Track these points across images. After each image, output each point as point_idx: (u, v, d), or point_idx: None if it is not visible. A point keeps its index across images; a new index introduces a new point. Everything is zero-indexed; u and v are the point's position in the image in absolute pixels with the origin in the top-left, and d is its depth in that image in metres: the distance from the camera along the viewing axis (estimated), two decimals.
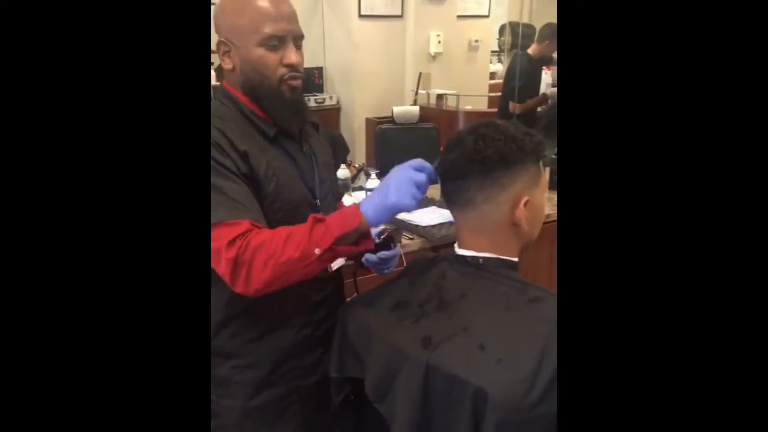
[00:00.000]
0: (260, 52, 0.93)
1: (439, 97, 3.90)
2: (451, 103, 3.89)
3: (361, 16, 3.94)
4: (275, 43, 0.92)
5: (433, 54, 4.15)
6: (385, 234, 1.05)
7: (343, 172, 2.07)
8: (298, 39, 0.96)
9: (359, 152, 4.14)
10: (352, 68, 4.13)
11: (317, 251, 0.84)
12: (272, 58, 0.93)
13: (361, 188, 2.02)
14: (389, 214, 0.86)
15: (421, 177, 0.85)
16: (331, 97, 4.44)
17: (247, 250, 0.83)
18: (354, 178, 2.39)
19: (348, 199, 1.88)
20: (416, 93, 4.06)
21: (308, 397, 1.06)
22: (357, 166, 2.69)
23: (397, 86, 4.22)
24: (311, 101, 4.35)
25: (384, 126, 3.16)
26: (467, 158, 0.84)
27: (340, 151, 3.42)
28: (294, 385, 1.04)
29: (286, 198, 0.95)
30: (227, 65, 0.97)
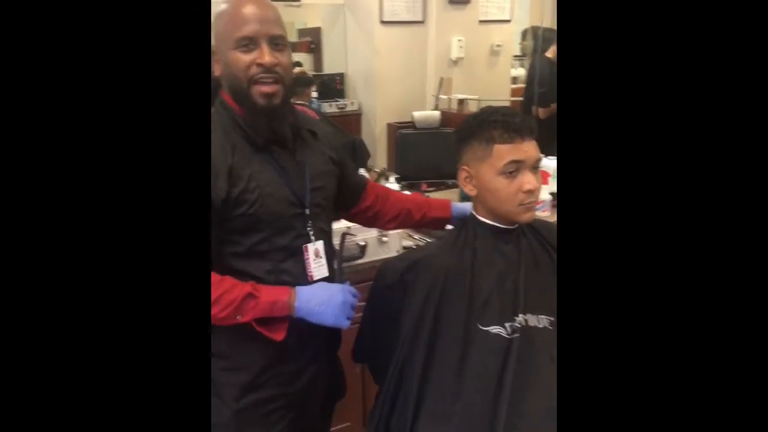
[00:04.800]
0: (234, 54, 0.94)
1: (461, 102, 3.89)
2: (472, 108, 3.87)
3: (383, 22, 3.97)
4: (247, 43, 0.93)
5: (454, 59, 4.15)
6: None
7: None
8: (274, 40, 0.95)
9: (380, 157, 4.15)
10: (373, 74, 4.16)
11: (239, 318, 0.94)
12: (244, 59, 0.93)
13: None
14: (317, 323, 0.97)
15: (352, 299, 0.99)
16: (352, 103, 4.47)
17: None
18: (375, 183, 2.40)
19: None
20: (437, 98, 4.06)
21: (293, 402, 1.09)
22: (378, 171, 2.70)
23: (419, 91, 4.23)
24: (332, 107, 4.39)
25: (404, 131, 3.16)
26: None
27: (360, 156, 3.44)
28: (280, 390, 1.06)
29: (270, 208, 0.97)
30: (216, 71, 1.00)
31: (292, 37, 6.08)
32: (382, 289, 1.07)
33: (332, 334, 1.12)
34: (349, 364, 1.27)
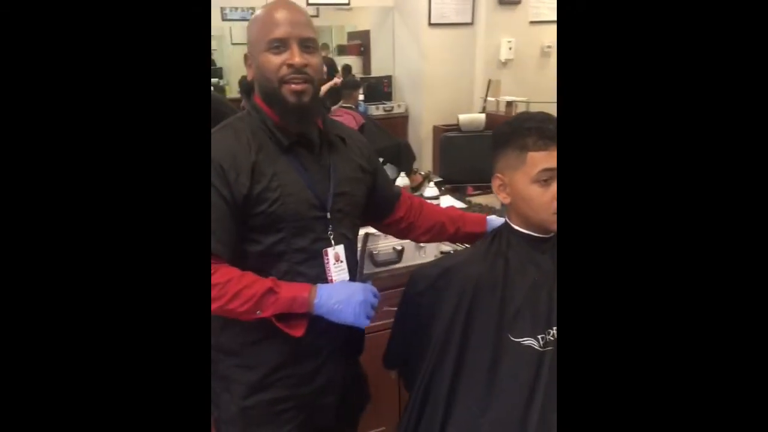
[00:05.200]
0: (266, 56, 0.97)
1: (509, 104, 3.82)
2: (520, 111, 3.80)
3: (431, 24, 3.96)
4: (278, 45, 0.96)
5: (503, 61, 4.08)
6: None
7: (402, 180, 2.09)
8: (304, 42, 0.97)
9: (426, 160, 4.14)
10: (421, 76, 4.15)
11: (259, 313, 0.95)
12: (275, 60, 0.96)
13: (420, 196, 2.02)
14: (337, 321, 0.98)
15: (372, 299, 0.99)
16: (399, 105, 4.49)
17: None
18: (420, 185, 2.40)
19: None
20: (485, 100, 4.00)
21: (304, 405, 1.09)
22: (423, 174, 2.69)
23: (466, 94, 4.18)
24: (379, 109, 4.41)
25: (449, 134, 3.14)
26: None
27: (405, 159, 3.44)
28: (290, 391, 1.07)
29: (291, 208, 0.99)
30: (250, 75, 1.03)
31: (342, 41, 6.17)
32: (414, 295, 1.07)
33: (351, 338, 1.12)
34: (384, 370, 1.27)
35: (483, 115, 3.25)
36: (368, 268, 1.55)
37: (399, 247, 1.60)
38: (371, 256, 1.54)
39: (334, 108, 3.62)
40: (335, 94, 3.72)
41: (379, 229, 1.31)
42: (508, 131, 0.98)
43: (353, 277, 1.08)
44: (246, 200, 0.96)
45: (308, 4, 4.24)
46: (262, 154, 0.98)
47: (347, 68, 4.75)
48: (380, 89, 4.66)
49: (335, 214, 1.05)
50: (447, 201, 2.04)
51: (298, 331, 0.99)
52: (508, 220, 1.05)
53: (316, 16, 5.39)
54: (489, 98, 3.97)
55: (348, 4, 4.34)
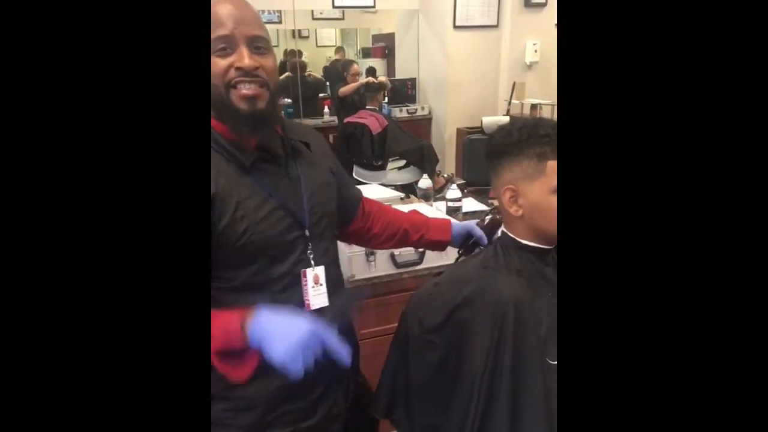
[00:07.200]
0: (213, 60, 0.83)
1: (533, 107, 3.79)
2: (545, 113, 3.76)
3: (456, 27, 3.95)
4: (222, 46, 0.82)
5: (528, 63, 4.05)
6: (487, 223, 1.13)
7: (425, 182, 2.08)
8: (254, 42, 0.84)
9: (449, 162, 4.14)
10: (445, 79, 4.15)
11: None
12: (220, 63, 0.82)
13: (443, 198, 2.02)
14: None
15: (317, 347, 0.79)
16: (422, 108, 4.49)
17: None
18: (442, 188, 2.40)
19: (429, 210, 1.88)
20: (509, 103, 3.98)
21: None
22: (445, 176, 2.69)
23: (491, 96, 4.17)
24: (402, 112, 4.42)
25: (472, 136, 3.13)
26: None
27: (428, 162, 3.44)
28: (293, 427, 0.94)
29: (262, 237, 0.86)
30: None
31: (366, 43, 6.20)
32: (422, 334, 0.93)
33: (352, 360, 0.92)
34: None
35: (507, 118, 3.24)
36: (389, 269, 1.55)
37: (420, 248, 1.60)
38: (392, 257, 1.55)
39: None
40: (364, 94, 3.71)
41: (342, 240, 1.16)
42: (518, 140, 0.89)
43: (335, 296, 0.96)
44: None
45: (334, 7, 4.28)
46: (222, 181, 0.84)
47: (370, 70, 4.78)
48: (404, 91, 4.66)
49: (314, 229, 0.93)
50: (470, 204, 2.03)
51: (240, 374, 0.87)
52: (510, 234, 0.95)
53: (342, 18, 5.44)
54: (513, 101, 3.94)
55: (373, 6, 4.36)
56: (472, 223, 1.16)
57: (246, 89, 0.83)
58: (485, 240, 1.13)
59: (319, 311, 0.92)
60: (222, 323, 0.80)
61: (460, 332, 0.89)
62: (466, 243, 1.15)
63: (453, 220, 1.20)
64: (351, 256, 1.49)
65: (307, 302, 0.92)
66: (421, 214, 1.23)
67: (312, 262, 0.92)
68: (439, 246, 1.21)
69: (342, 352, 0.81)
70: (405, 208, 1.61)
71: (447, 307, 0.90)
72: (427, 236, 1.17)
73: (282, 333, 0.79)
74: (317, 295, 0.93)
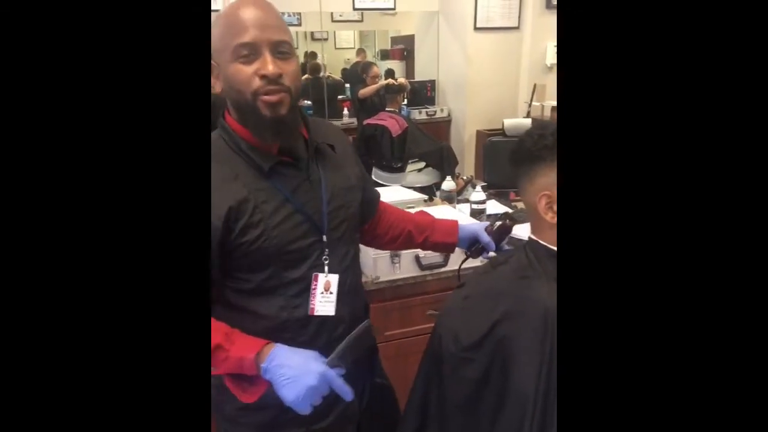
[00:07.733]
0: (235, 66, 0.82)
1: (554, 109, 3.76)
2: None
3: (476, 28, 3.94)
4: (246, 53, 0.81)
5: (549, 65, 4.02)
6: (500, 227, 1.10)
7: (448, 184, 2.08)
8: (277, 47, 0.83)
9: (468, 164, 4.12)
10: (465, 80, 4.14)
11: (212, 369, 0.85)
12: (245, 70, 0.82)
13: (466, 200, 2.01)
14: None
15: (326, 389, 0.83)
16: (442, 110, 4.48)
17: None
18: (461, 190, 2.39)
19: (452, 212, 1.87)
20: (530, 105, 3.95)
21: None
22: (465, 178, 2.68)
23: (511, 98, 4.14)
24: (422, 113, 4.42)
25: (493, 138, 3.11)
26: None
27: (447, 163, 3.43)
28: (306, 428, 0.95)
29: (275, 242, 0.86)
30: (216, 88, 0.87)
31: (385, 45, 6.21)
32: (459, 351, 0.87)
33: (361, 356, 0.96)
34: None
35: (529, 120, 3.22)
36: (414, 272, 1.55)
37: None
38: (417, 259, 1.54)
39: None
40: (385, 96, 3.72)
41: None
42: (553, 144, 0.85)
43: (352, 300, 0.96)
44: (221, 247, 0.84)
45: (354, 9, 4.30)
46: (239, 185, 0.86)
47: (389, 72, 4.78)
48: (423, 93, 4.66)
49: (332, 233, 0.92)
50: (493, 206, 2.02)
51: (249, 397, 0.89)
52: (542, 241, 0.90)
53: (361, 20, 5.46)
54: (534, 103, 3.92)
55: (393, 8, 4.37)
56: (480, 228, 1.14)
57: (269, 96, 0.83)
58: (493, 246, 1.11)
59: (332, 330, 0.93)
60: (240, 351, 0.83)
61: (504, 348, 0.83)
62: (473, 247, 1.13)
63: (460, 222, 1.17)
64: (376, 258, 1.49)
65: (312, 307, 0.91)
66: (427, 214, 1.20)
67: (326, 268, 0.91)
68: (445, 248, 1.20)
69: (348, 393, 0.84)
70: (429, 210, 1.60)
71: (485, 322, 0.85)
72: (432, 238, 1.15)
73: (293, 378, 0.81)
74: (324, 303, 0.92)
